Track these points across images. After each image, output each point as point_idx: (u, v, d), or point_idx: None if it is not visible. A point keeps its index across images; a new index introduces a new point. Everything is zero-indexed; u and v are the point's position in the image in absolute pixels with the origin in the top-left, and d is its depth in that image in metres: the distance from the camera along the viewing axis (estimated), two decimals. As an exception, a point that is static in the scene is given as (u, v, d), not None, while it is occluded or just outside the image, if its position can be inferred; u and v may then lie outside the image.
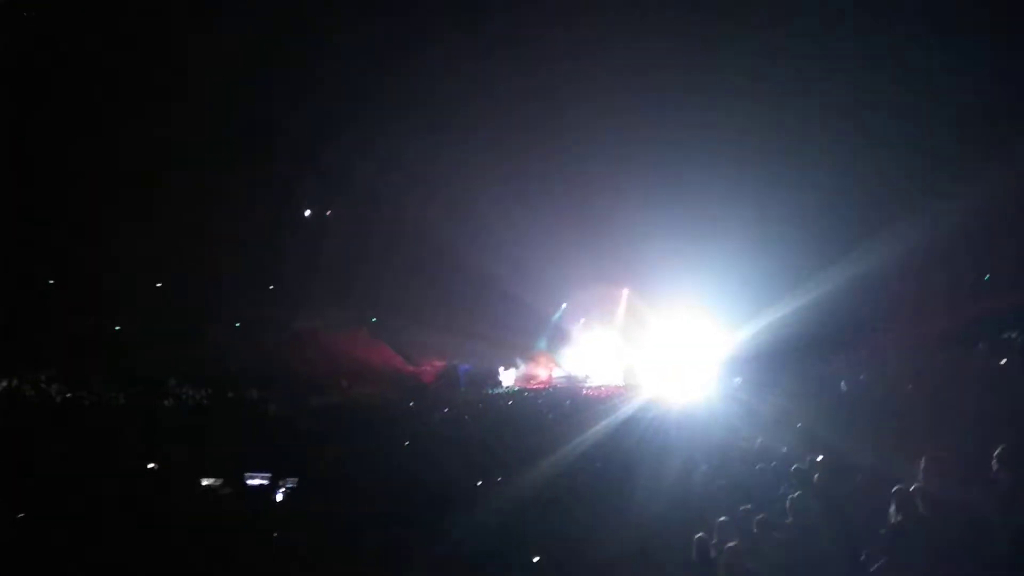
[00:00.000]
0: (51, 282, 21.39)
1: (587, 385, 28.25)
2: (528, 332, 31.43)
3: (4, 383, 16.51)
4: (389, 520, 7.13)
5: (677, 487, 7.59)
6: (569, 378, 29.84)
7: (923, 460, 5.40)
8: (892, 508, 5.17)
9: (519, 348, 31.24)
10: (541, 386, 28.83)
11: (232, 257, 24.39)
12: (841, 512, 5.87)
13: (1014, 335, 11.05)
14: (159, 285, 25.08)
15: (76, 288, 21.59)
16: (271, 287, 28.25)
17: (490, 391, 26.36)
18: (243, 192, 22.79)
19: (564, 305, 31.19)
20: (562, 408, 18.95)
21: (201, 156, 22.24)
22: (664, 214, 23.56)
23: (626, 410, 16.59)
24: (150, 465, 9.87)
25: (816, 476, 6.50)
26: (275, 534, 7.15)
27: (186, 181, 21.97)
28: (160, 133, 20.91)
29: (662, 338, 29.26)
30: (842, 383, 12.51)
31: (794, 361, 17.10)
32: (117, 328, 23.60)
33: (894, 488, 5.22)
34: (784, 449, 7.96)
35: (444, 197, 24.64)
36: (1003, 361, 10.23)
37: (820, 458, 6.77)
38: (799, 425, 9.13)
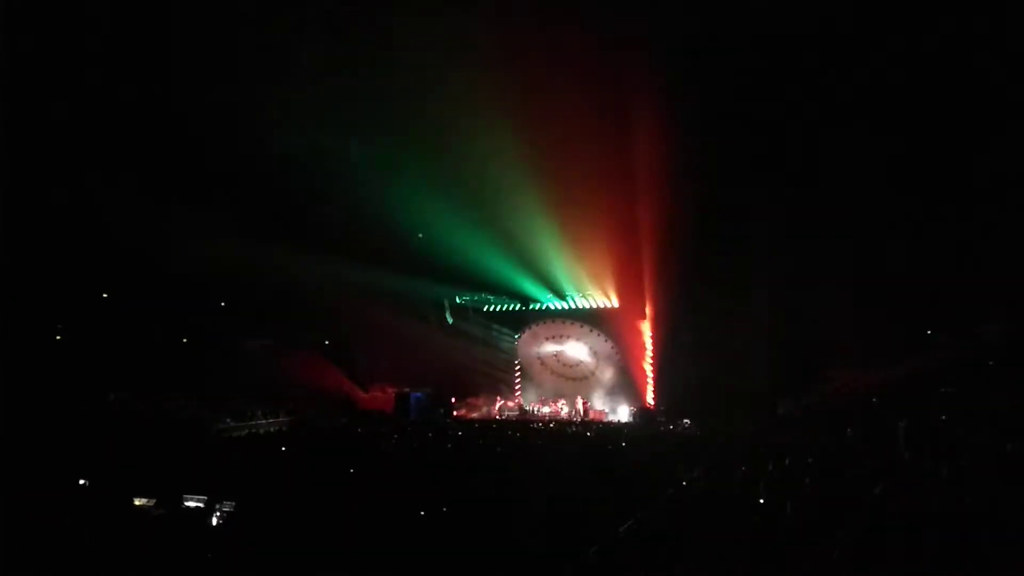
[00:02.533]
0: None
1: (540, 418, 28.23)
2: (485, 363, 31.39)
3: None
4: (327, 548, 6.95)
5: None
6: (522, 411, 29.81)
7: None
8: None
9: (475, 378, 31.12)
10: (492, 417, 28.72)
11: (180, 270, 23.79)
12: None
13: None
14: (104, 295, 24.38)
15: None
16: (222, 303, 27.70)
17: (441, 421, 26.12)
18: (192, 201, 22.23)
19: (518, 336, 31.27)
20: (512, 441, 18.88)
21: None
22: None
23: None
24: (81, 481, 9.48)
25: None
26: (209, 555, 6.90)
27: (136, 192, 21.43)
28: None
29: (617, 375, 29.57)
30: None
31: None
32: (58, 337, 22.77)
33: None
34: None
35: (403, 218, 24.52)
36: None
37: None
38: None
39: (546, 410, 29.39)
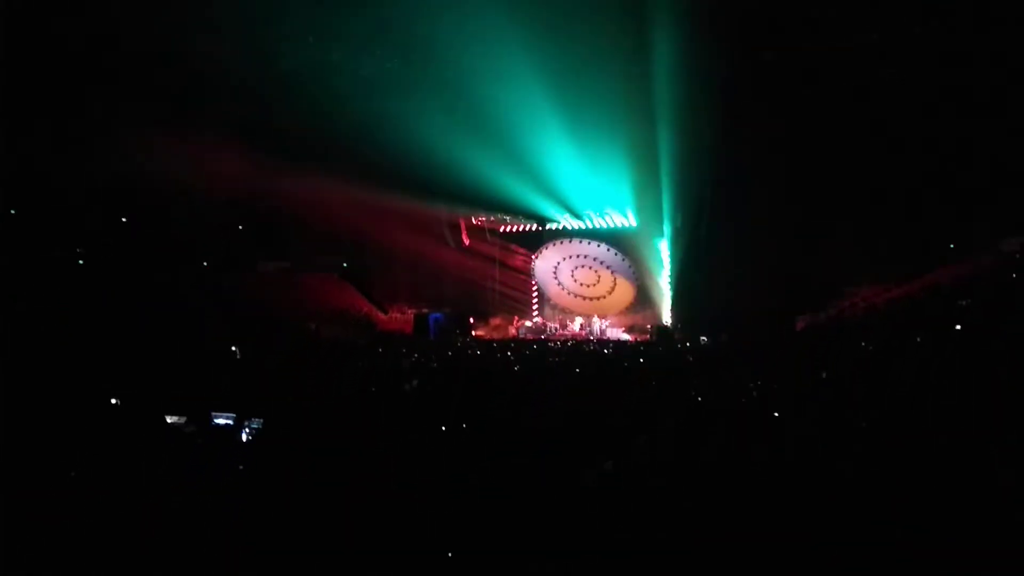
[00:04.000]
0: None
1: (558, 336, 28.59)
2: (502, 283, 31.65)
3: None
4: (352, 462, 7.22)
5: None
6: (536, 328, 30.18)
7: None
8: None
9: (493, 299, 31.44)
10: (510, 337, 29.14)
11: (202, 196, 23.88)
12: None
13: None
14: (123, 220, 24.55)
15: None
16: (240, 227, 27.87)
17: (459, 341, 26.56)
18: (207, 126, 22.13)
19: (535, 256, 31.32)
20: (529, 360, 19.17)
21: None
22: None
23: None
24: (113, 400, 9.81)
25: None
26: (240, 467, 7.22)
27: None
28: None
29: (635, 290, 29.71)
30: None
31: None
32: (80, 261, 23.10)
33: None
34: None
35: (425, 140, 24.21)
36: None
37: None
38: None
39: (564, 329, 29.74)
